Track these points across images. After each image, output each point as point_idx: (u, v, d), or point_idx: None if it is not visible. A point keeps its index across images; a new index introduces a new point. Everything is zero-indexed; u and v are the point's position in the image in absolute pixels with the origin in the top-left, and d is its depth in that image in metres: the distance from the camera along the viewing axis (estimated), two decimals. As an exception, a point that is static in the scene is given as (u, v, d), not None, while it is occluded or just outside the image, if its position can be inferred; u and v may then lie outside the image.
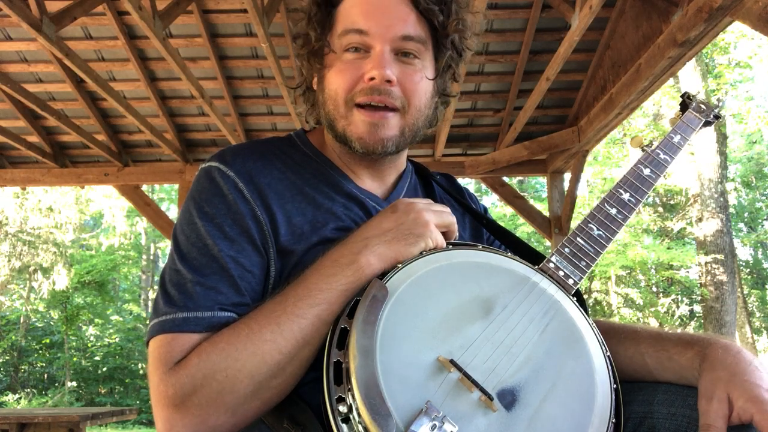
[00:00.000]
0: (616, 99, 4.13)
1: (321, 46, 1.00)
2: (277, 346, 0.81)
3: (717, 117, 1.27)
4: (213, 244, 0.89)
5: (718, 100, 13.65)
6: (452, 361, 0.76)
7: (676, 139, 1.19)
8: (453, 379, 0.75)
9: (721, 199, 11.51)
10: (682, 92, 1.31)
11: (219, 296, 0.86)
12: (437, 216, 0.95)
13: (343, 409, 0.71)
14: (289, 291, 0.86)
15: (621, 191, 1.09)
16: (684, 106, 1.27)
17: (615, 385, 0.83)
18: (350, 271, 0.85)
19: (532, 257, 1.04)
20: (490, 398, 0.74)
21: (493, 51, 4.60)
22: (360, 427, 0.69)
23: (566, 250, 0.99)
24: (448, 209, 0.99)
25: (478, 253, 0.94)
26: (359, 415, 0.69)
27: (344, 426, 0.70)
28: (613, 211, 1.06)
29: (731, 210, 15.50)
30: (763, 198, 18.67)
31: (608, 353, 0.87)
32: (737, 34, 12.08)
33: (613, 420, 0.79)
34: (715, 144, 11.76)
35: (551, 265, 0.97)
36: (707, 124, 1.26)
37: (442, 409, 0.71)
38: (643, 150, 1.16)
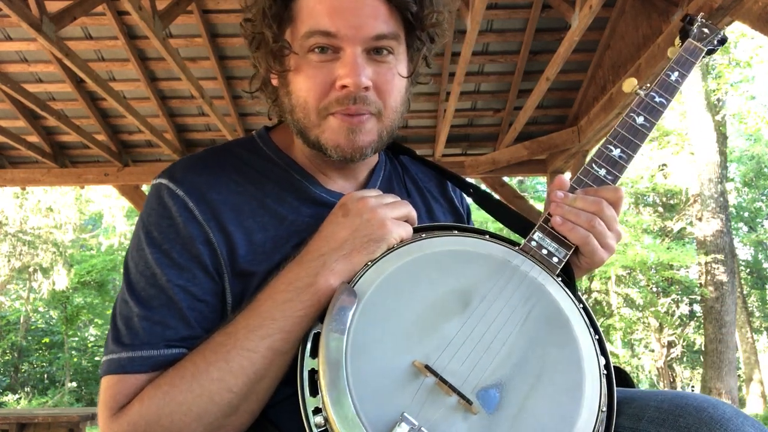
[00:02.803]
0: (616, 99, 4.13)
1: (280, 47, 0.88)
2: (227, 385, 0.75)
3: (722, 42, 1.09)
4: (161, 273, 0.82)
5: (719, 100, 13.66)
6: (427, 366, 0.72)
7: (674, 76, 1.04)
8: (429, 385, 0.71)
9: (721, 199, 11.52)
10: (683, 15, 1.13)
11: (167, 331, 0.80)
12: (392, 209, 0.86)
13: (320, 420, 0.69)
14: (240, 321, 0.78)
15: (611, 147, 0.97)
16: (684, 33, 1.09)
17: (606, 371, 0.78)
18: (307, 296, 0.77)
19: (524, 227, 0.96)
20: (469, 402, 0.70)
21: (493, 51, 4.60)
22: None
23: (549, 224, 0.90)
24: (398, 198, 0.90)
25: (452, 239, 0.87)
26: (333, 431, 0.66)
27: None
28: (602, 171, 0.95)
29: (731, 210, 15.50)
30: (763, 198, 18.67)
31: (597, 336, 0.81)
32: (737, 34, 12.08)
33: (603, 409, 0.75)
34: (715, 144, 11.77)
35: (533, 243, 0.89)
36: (710, 52, 1.09)
37: (419, 418, 0.68)
38: (636, 94, 1.02)
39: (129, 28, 4.24)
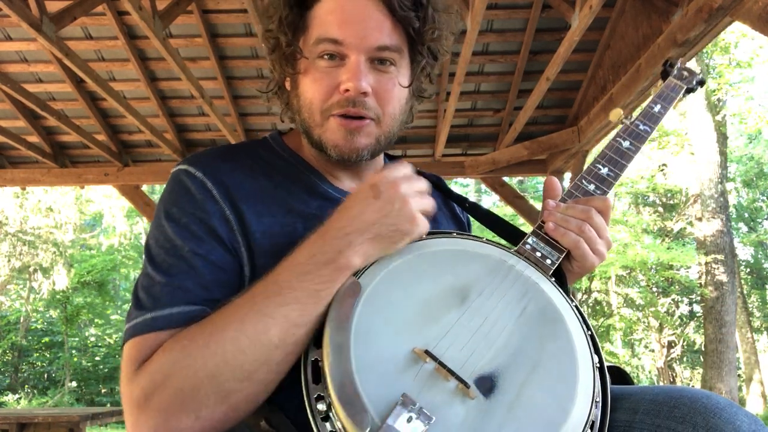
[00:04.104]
0: (616, 99, 4.13)
1: (293, 51, 0.96)
2: (240, 345, 0.76)
3: (700, 83, 1.22)
4: (182, 244, 0.87)
5: (719, 100, 13.66)
6: (427, 352, 0.75)
7: (657, 108, 1.15)
8: (429, 370, 0.74)
9: (721, 199, 11.52)
10: (665, 59, 1.25)
11: (186, 294, 0.84)
12: (421, 200, 0.87)
13: (322, 407, 0.71)
14: (259, 286, 0.81)
15: (599, 166, 1.06)
16: (665, 73, 1.24)
17: (599, 365, 0.81)
18: (328, 271, 0.79)
19: (517, 237, 1.02)
20: (467, 386, 0.73)
21: (493, 51, 4.60)
22: (339, 425, 0.69)
23: (543, 230, 0.97)
24: (425, 182, 0.91)
25: (452, 240, 0.93)
26: (336, 412, 0.69)
27: (326, 425, 0.70)
28: (591, 186, 1.03)
29: (731, 210, 15.49)
30: (763, 198, 18.67)
31: (590, 332, 0.85)
32: (737, 34, 12.08)
33: (598, 399, 0.77)
34: (715, 144, 11.76)
35: (527, 246, 0.95)
36: (689, 91, 1.22)
37: (419, 400, 0.70)
38: (621, 122, 1.12)
39: (129, 28, 4.24)
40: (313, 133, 0.97)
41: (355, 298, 0.79)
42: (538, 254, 0.94)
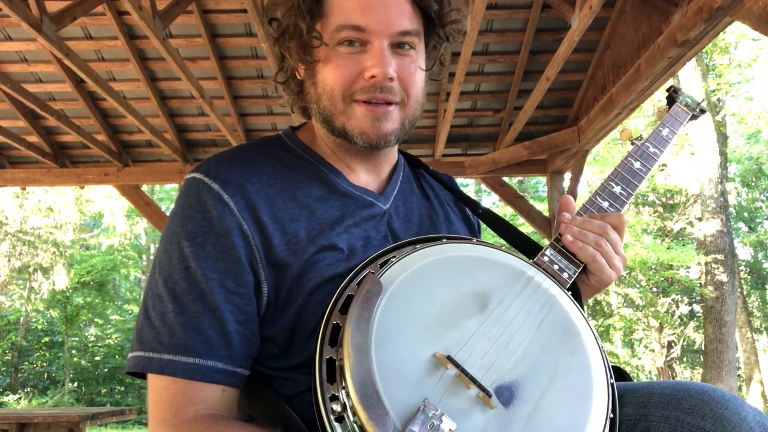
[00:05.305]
0: (616, 99, 4.13)
1: (312, 38, 0.94)
2: None
3: (702, 111, 1.28)
4: (196, 266, 0.85)
5: (719, 100, 13.66)
6: (449, 358, 0.75)
7: (665, 132, 1.20)
8: (450, 376, 0.74)
9: (721, 199, 11.51)
10: (668, 87, 1.31)
11: (199, 336, 0.83)
12: None
13: (336, 407, 0.70)
14: None
15: (612, 184, 1.09)
16: (671, 100, 1.29)
17: (611, 381, 0.83)
18: None
19: (529, 248, 1.03)
20: (488, 395, 0.73)
21: (493, 51, 4.60)
22: (355, 426, 0.67)
23: (560, 243, 0.98)
24: None
25: (472, 246, 0.93)
26: (354, 413, 0.67)
27: (338, 425, 0.69)
28: (605, 204, 1.06)
29: (731, 210, 15.49)
30: (763, 198, 18.67)
31: (603, 348, 0.86)
32: (737, 34, 12.07)
33: (611, 415, 0.78)
34: (716, 144, 11.76)
35: (546, 258, 0.96)
36: (693, 117, 1.27)
37: (440, 406, 0.69)
38: (632, 143, 1.16)
39: (129, 28, 4.24)
40: (335, 120, 0.95)
41: (377, 298, 0.77)
42: (556, 267, 0.95)
